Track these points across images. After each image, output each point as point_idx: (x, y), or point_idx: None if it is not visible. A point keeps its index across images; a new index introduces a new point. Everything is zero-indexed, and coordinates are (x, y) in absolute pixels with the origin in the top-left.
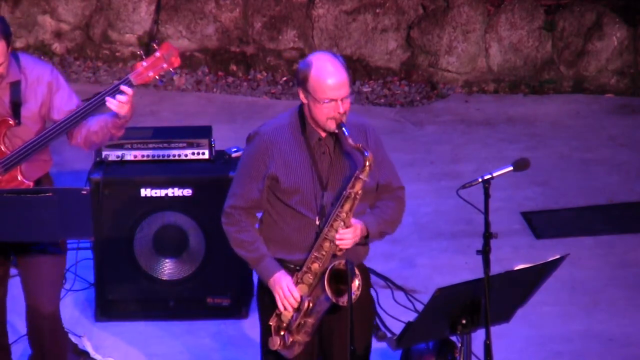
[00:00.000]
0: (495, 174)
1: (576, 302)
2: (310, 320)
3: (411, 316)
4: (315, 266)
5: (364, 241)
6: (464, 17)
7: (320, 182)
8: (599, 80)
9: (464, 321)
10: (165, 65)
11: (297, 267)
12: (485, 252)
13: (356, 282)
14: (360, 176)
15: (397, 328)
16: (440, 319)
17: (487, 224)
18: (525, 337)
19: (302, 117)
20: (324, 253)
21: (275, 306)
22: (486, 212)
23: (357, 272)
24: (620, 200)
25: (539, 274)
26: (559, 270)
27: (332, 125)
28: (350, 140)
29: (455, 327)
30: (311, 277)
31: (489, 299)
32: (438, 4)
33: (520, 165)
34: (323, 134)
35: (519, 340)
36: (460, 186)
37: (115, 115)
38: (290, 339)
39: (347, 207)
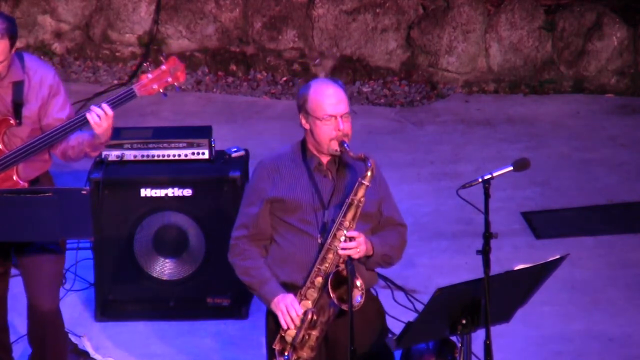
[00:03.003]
0: (495, 174)
1: (576, 302)
2: (314, 333)
3: (411, 316)
4: (319, 280)
5: (365, 261)
6: (464, 17)
7: (321, 200)
8: (599, 80)
9: (464, 321)
10: (170, 79)
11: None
12: (485, 252)
13: (357, 283)
14: (363, 182)
15: (397, 328)
16: (440, 319)
17: (487, 224)
18: (525, 337)
19: (304, 147)
20: (327, 266)
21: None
22: (486, 212)
23: (357, 281)
24: (620, 200)
25: (539, 274)
26: (559, 270)
27: (334, 146)
28: (351, 153)
29: (455, 327)
30: (314, 293)
31: (489, 299)
32: (438, 4)
33: (520, 165)
34: (324, 160)
35: (519, 340)
36: (460, 186)
37: (93, 134)
38: (295, 356)
39: (350, 215)
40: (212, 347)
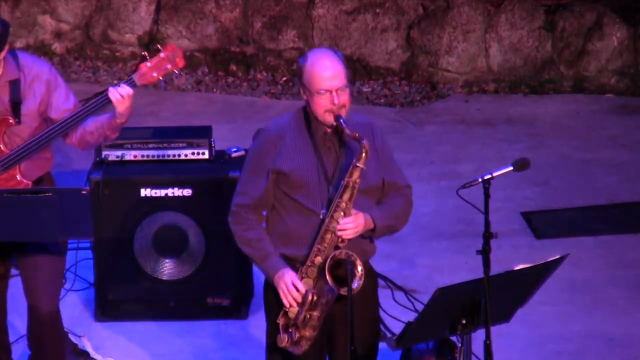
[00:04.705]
0: (495, 174)
1: (576, 302)
2: (315, 314)
3: (411, 316)
4: (319, 259)
5: (370, 234)
6: (464, 17)
7: (326, 175)
8: (599, 80)
9: (464, 321)
10: (169, 66)
11: (303, 264)
12: (485, 252)
13: (358, 268)
14: (358, 164)
15: (397, 328)
16: (440, 319)
17: (487, 224)
18: (525, 337)
19: (307, 114)
20: (325, 245)
21: (280, 303)
22: (486, 212)
23: (358, 267)
24: (620, 200)
25: (539, 274)
26: (559, 270)
27: (329, 118)
28: (347, 131)
29: (455, 327)
30: (315, 271)
31: (489, 299)
32: (438, 4)
33: (520, 165)
34: (329, 130)
35: (519, 340)
36: (460, 186)
37: (113, 116)
38: (297, 335)
39: (346, 196)
40: (212, 347)
